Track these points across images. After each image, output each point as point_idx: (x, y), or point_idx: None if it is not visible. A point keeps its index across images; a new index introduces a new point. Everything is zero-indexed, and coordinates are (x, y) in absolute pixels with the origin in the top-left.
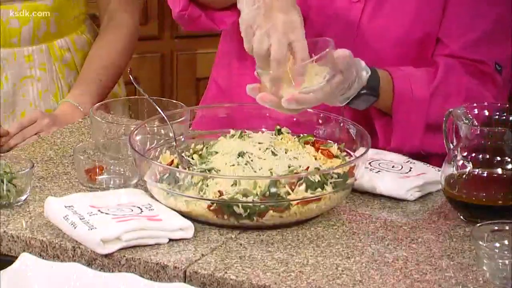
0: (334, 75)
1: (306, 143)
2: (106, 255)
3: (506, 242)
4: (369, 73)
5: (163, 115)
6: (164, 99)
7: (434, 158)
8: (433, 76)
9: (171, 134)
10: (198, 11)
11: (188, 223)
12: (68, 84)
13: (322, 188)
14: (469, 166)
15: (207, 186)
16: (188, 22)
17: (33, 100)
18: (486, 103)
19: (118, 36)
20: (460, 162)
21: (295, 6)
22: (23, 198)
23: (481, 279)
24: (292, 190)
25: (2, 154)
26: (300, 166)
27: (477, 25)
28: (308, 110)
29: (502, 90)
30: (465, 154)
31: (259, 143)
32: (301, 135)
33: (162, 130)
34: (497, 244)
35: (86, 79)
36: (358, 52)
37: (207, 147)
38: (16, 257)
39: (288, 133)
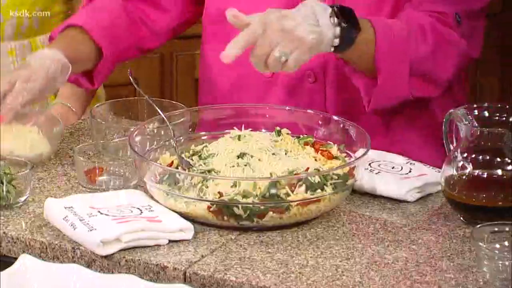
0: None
1: (306, 144)
2: (105, 256)
3: (506, 243)
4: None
5: (163, 116)
6: (164, 100)
7: (434, 102)
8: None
9: (170, 135)
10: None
11: (188, 224)
12: None
13: (322, 189)
14: (469, 167)
15: (207, 187)
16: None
17: None
18: (486, 104)
19: None
20: (460, 163)
21: None
22: (22, 199)
23: (481, 280)
24: (292, 191)
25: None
26: (300, 167)
27: None
28: (308, 111)
29: (462, 41)
30: (465, 155)
31: (259, 144)
32: (301, 136)
33: (162, 131)
34: (497, 245)
35: None
36: None
37: (207, 148)
38: (16, 258)
39: (288, 134)
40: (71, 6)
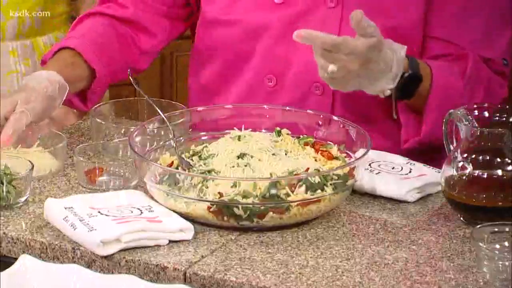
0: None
1: (306, 144)
2: (106, 257)
3: (506, 243)
4: (405, 48)
5: (163, 116)
6: (164, 100)
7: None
8: (464, 67)
9: (170, 136)
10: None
11: (188, 224)
12: None
13: (322, 189)
14: (469, 168)
15: (207, 187)
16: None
17: None
18: (486, 104)
19: None
20: (460, 164)
21: None
22: (22, 199)
23: (481, 280)
24: (292, 192)
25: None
26: (300, 168)
27: (474, 22)
28: (308, 111)
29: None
30: (465, 155)
31: (259, 144)
32: (301, 136)
33: (162, 131)
34: (497, 246)
35: None
36: None
37: (207, 149)
38: (16, 259)
39: (288, 134)
40: (75, 7)
